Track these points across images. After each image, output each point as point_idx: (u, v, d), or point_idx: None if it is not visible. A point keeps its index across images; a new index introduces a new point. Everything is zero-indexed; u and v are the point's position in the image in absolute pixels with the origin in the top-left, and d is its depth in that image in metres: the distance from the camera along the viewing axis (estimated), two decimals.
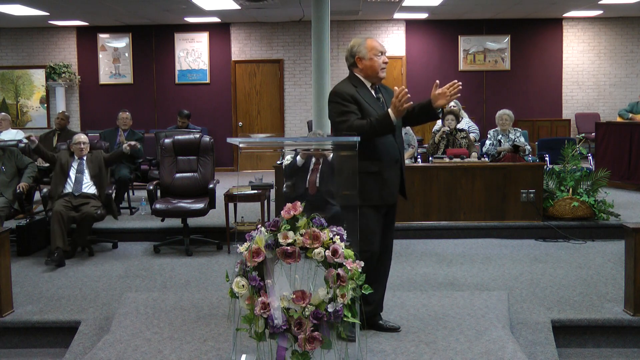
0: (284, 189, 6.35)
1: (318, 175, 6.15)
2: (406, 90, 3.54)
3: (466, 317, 4.16)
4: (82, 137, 6.59)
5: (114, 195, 6.64)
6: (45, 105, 12.61)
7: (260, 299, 3.08)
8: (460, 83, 3.64)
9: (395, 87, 3.64)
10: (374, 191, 3.70)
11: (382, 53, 3.77)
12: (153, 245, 6.54)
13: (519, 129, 8.01)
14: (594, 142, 10.03)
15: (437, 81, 3.68)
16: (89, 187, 6.37)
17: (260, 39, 12.43)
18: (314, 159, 6.19)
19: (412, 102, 3.57)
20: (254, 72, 12.50)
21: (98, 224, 6.74)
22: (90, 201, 6.23)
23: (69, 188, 6.33)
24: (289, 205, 3.16)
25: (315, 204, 5.94)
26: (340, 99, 3.68)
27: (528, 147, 7.68)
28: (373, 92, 3.80)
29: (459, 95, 3.68)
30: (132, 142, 6.81)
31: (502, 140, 7.76)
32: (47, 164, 7.78)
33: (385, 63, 3.77)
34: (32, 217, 6.61)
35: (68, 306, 4.75)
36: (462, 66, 12.44)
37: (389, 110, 3.59)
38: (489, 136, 7.96)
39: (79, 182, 6.37)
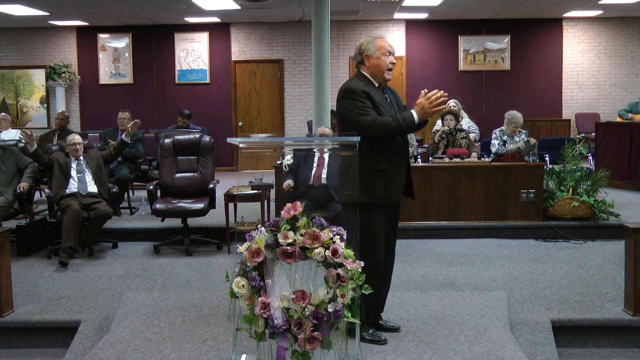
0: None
1: (324, 170, 6.16)
2: (441, 93, 3.55)
3: (466, 317, 4.15)
4: (77, 138, 6.57)
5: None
6: (45, 105, 12.61)
7: (260, 299, 3.08)
8: (446, 93, 3.64)
9: (424, 90, 3.65)
10: (381, 189, 3.68)
11: (391, 53, 3.76)
12: (153, 245, 6.54)
13: (523, 130, 7.86)
14: (594, 142, 10.03)
15: (424, 90, 3.68)
16: (92, 187, 6.38)
17: (260, 39, 12.44)
18: (318, 154, 6.21)
19: (444, 106, 3.59)
20: (254, 72, 12.50)
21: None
22: (100, 199, 6.28)
23: (73, 188, 6.32)
24: (289, 205, 3.15)
25: (319, 200, 5.98)
26: (355, 95, 3.66)
27: (535, 145, 7.61)
28: (380, 92, 3.80)
29: (443, 107, 3.69)
30: (132, 125, 6.74)
31: (507, 142, 7.67)
32: None
33: (393, 64, 3.76)
34: (32, 217, 6.60)
35: (68, 306, 4.75)
36: (462, 66, 12.44)
37: (413, 111, 3.60)
38: (494, 135, 7.81)
39: (82, 181, 6.37)
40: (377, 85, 3.78)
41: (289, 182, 6.13)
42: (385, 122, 3.58)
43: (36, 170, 6.76)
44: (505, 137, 7.73)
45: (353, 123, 3.64)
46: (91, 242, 6.24)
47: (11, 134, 8.53)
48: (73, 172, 6.41)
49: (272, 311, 3.07)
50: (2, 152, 6.54)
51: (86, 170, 6.44)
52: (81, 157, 6.51)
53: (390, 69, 3.76)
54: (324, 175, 6.12)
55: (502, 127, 7.82)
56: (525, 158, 7.29)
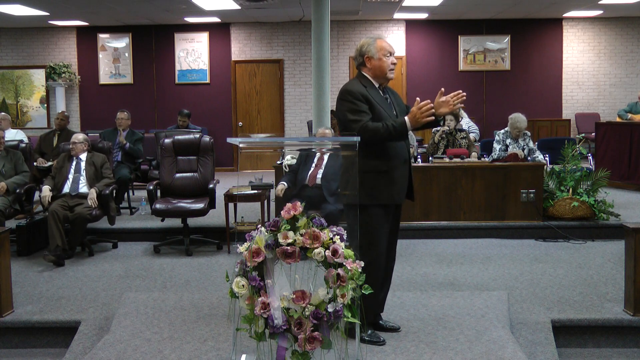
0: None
1: (320, 170, 6.16)
2: (431, 104, 3.55)
3: (466, 317, 4.16)
4: (78, 137, 6.58)
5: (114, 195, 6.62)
6: (45, 105, 12.62)
7: (260, 299, 3.08)
8: (464, 93, 3.65)
9: (418, 98, 3.65)
10: (383, 190, 3.69)
11: (391, 54, 3.77)
12: (153, 245, 6.54)
13: (528, 132, 7.74)
14: (594, 142, 10.03)
15: (442, 89, 3.68)
16: (85, 187, 6.35)
17: (260, 39, 12.44)
18: (318, 155, 6.22)
19: (433, 117, 3.59)
20: (254, 72, 12.50)
21: (98, 224, 6.74)
22: (84, 202, 6.16)
23: (66, 188, 6.33)
24: (289, 205, 3.15)
25: (312, 200, 5.98)
26: (352, 97, 3.67)
27: (539, 157, 7.56)
28: (381, 93, 3.80)
29: (462, 105, 3.69)
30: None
31: (509, 145, 7.62)
32: (47, 165, 7.80)
33: (394, 64, 3.77)
34: (32, 217, 6.60)
35: (68, 306, 4.75)
36: (462, 66, 12.44)
37: (406, 118, 3.61)
38: (496, 138, 7.74)
39: (75, 182, 6.36)
40: (377, 86, 3.79)
41: (281, 188, 6.13)
42: (374, 129, 3.59)
43: (26, 181, 6.59)
44: (508, 141, 7.65)
45: (347, 126, 3.67)
46: (74, 243, 6.17)
47: (11, 134, 8.52)
48: (71, 172, 6.42)
49: (272, 311, 3.07)
50: (4, 154, 6.52)
51: (83, 170, 6.43)
52: (82, 157, 6.51)
53: (391, 69, 3.77)
54: (319, 176, 6.13)
55: (506, 129, 7.75)
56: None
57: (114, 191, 6.62)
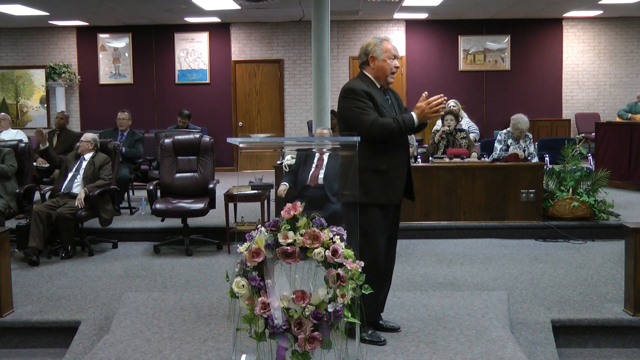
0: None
1: (322, 170, 6.17)
2: (443, 98, 3.56)
3: (466, 317, 4.16)
4: (87, 136, 6.64)
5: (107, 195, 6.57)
6: (45, 105, 12.62)
7: (260, 299, 3.08)
8: (445, 97, 3.66)
9: (425, 93, 3.65)
10: (380, 190, 3.69)
11: (396, 57, 3.77)
12: (153, 245, 6.54)
13: (529, 135, 7.71)
14: (594, 142, 10.03)
15: (425, 93, 3.69)
16: (78, 187, 6.34)
17: (260, 39, 12.44)
18: (317, 155, 6.22)
19: (442, 112, 3.61)
20: (254, 72, 12.50)
21: (98, 223, 6.73)
22: (71, 201, 6.15)
23: (63, 187, 6.34)
24: (289, 205, 3.15)
25: (315, 201, 5.98)
26: (356, 94, 3.67)
27: (535, 159, 7.56)
28: (382, 93, 3.80)
29: (442, 113, 3.70)
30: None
31: (511, 146, 7.60)
32: (47, 165, 7.79)
33: (397, 67, 3.77)
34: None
35: (68, 306, 4.75)
36: (462, 66, 12.44)
37: (413, 113, 3.62)
38: (498, 138, 7.74)
39: (71, 181, 6.37)
40: (379, 86, 3.79)
41: (283, 188, 6.14)
42: (386, 123, 3.60)
43: (11, 171, 6.57)
44: (510, 141, 7.63)
45: (354, 123, 3.65)
46: (64, 242, 6.14)
47: (11, 134, 8.52)
48: (72, 170, 6.42)
49: (272, 311, 3.07)
50: None
51: (82, 170, 6.43)
52: (86, 156, 6.53)
53: (393, 73, 3.77)
54: (321, 176, 6.13)
55: (508, 129, 7.73)
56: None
57: (113, 193, 6.60)
